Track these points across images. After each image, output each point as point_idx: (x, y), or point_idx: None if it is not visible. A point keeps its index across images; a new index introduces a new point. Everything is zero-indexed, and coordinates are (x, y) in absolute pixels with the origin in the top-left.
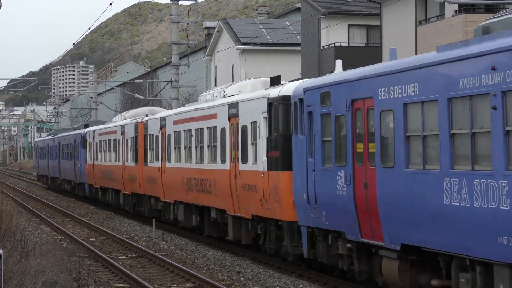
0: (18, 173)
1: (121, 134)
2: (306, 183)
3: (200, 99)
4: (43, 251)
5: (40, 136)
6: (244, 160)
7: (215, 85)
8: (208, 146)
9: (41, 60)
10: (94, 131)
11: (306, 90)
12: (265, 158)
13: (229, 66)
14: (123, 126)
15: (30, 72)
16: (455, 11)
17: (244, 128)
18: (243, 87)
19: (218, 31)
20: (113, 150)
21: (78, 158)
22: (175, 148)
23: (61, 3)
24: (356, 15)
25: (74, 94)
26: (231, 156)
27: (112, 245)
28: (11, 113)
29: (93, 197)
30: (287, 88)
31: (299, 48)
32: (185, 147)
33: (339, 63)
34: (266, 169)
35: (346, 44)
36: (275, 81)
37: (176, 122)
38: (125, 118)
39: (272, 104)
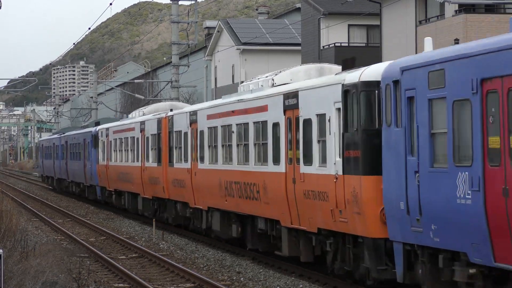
0: (18, 173)
1: (141, 132)
2: (404, 189)
3: (240, 90)
4: (43, 251)
5: (40, 136)
6: (308, 161)
7: (215, 85)
8: (255, 144)
9: (41, 60)
10: (107, 129)
11: (405, 70)
12: (339, 159)
13: (229, 66)
14: (142, 123)
15: (30, 72)
16: (455, 11)
17: (307, 123)
18: (295, 74)
19: (218, 31)
20: (131, 150)
21: (89, 158)
22: (209, 146)
23: (61, 3)
24: (356, 15)
25: (74, 94)
26: (288, 157)
27: (112, 245)
28: (11, 113)
29: (106, 201)
30: (371, 72)
31: (299, 48)
32: (223, 146)
33: (428, 41)
34: (340, 172)
35: (346, 44)
36: (348, 64)
37: (211, 117)
38: (143, 114)
39: (349, 91)
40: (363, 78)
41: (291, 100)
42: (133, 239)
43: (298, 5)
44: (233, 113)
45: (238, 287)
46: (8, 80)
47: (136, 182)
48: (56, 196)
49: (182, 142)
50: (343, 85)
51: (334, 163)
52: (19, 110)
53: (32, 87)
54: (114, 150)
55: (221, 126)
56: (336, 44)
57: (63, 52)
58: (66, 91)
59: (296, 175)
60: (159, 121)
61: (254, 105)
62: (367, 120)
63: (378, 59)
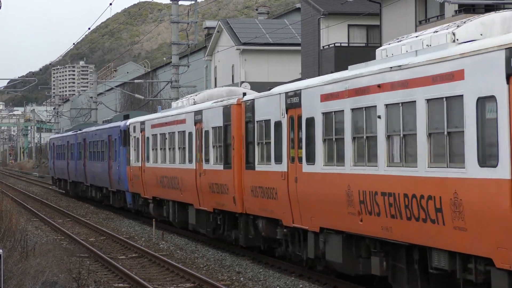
0: (18, 173)
1: (195, 124)
2: None
3: (381, 55)
4: (43, 251)
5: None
6: None
7: (215, 85)
8: (431, 135)
9: (41, 60)
10: (143, 123)
11: None
12: None
13: (229, 66)
14: (198, 112)
15: (30, 72)
16: (455, 11)
17: None
18: (487, 26)
19: (218, 31)
20: (179, 148)
21: (115, 158)
22: (325, 140)
23: (61, 3)
24: (356, 15)
25: (74, 94)
26: None
27: (112, 245)
28: (11, 113)
29: (138, 210)
30: None
31: (299, 48)
32: (354, 139)
33: None
34: None
35: (346, 44)
36: None
37: (329, 97)
38: (195, 102)
39: None
40: None
41: None
42: (133, 239)
43: (298, 5)
44: (379, 88)
45: (238, 287)
46: (8, 80)
47: (188, 189)
48: (56, 196)
49: (271, 135)
50: None
51: None
52: (19, 110)
53: (32, 87)
54: (152, 149)
55: (352, 109)
56: (336, 44)
57: (63, 52)
58: (66, 91)
59: None
60: (227, 109)
61: (425, 73)
62: None
63: None
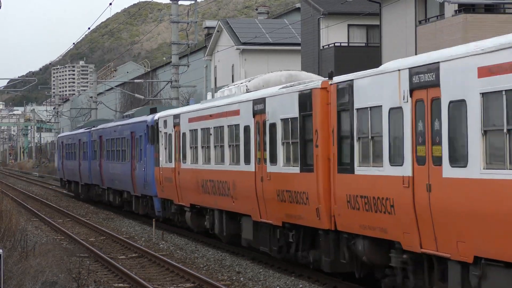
0: (18, 173)
1: (254, 116)
2: None
3: None
4: (43, 251)
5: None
6: None
7: (215, 85)
8: None
9: (41, 60)
10: (177, 116)
11: None
12: None
13: (229, 66)
14: (259, 101)
15: (30, 72)
16: (455, 11)
17: None
18: None
19: (218, 31)
20: (230, 145)
21: (140, 158)
22: (486, 133)
23: (61, 3)
24: (356, 15)
25: (74, 94)
26: None
27: (112, 245)
28: (11, 113)
29: (169, 219)
30: None
31: (299, 48)
32: None
33: None
34: None
35: (346, 44)
36: None
37: (496, 70)
38: (248, 89)
39: None
40: None
41: None
42: (133, 239)
43: (298, 5)
44: None
45: (238, 287)
46: (8, 80)
47: (243, 197)
48: (56, 196)
49: (382, 127)
50: None
51: None
52: (19, 110)
53: (32, 87)
54: (191, 147)
55: None
56: (336, 44)
57: (63, 52)
58: (66, 91)
59: None
60: (306, 96)
61: None
62: None
63: (378, 59)
